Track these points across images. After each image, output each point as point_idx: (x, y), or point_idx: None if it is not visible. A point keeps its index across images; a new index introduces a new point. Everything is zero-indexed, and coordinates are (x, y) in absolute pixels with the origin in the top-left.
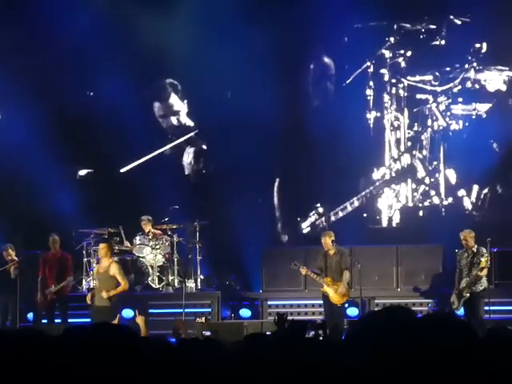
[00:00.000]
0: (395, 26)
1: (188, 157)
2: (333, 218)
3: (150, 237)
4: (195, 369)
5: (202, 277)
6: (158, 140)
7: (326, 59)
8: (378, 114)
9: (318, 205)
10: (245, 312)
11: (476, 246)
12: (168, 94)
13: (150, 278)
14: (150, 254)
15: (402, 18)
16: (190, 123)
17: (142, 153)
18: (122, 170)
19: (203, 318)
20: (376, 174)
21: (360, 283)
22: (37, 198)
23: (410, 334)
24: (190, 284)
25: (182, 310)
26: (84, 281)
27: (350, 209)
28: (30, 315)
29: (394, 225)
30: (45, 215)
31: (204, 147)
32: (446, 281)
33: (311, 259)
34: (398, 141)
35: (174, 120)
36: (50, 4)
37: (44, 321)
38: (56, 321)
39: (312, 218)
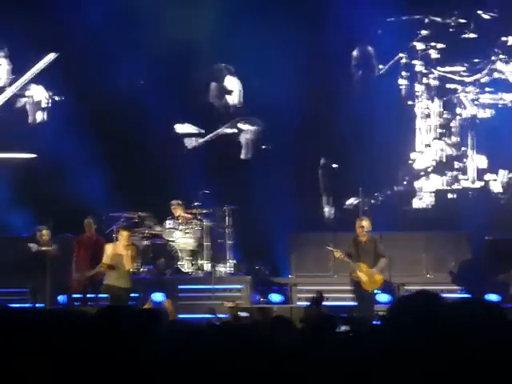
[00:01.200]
0: (427, 20)
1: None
2: (372, 201)
3: (181, 221)
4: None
5: (232, 261)
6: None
7: (368, 48)
8: (410, 103)
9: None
10: (275, 297)
11: None
12: (224, 75)
13: (180, 262)
14: (180, 238)
15: (433, 13)
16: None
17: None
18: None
19: (231, 303)
20: (416, 163)
21: (390, 270)
22: (68, 182)
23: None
24: (221, 268)
25: (211, 294)
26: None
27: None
28: (61, 298)
29: (425, 207)
30: (76, 199)
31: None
32: (474, 267)
33: (340, 244)
34: (428, 128)
35: (229, 99)
36: None
37: (77, 303)
38: (89, 303)
39: (352, 200)
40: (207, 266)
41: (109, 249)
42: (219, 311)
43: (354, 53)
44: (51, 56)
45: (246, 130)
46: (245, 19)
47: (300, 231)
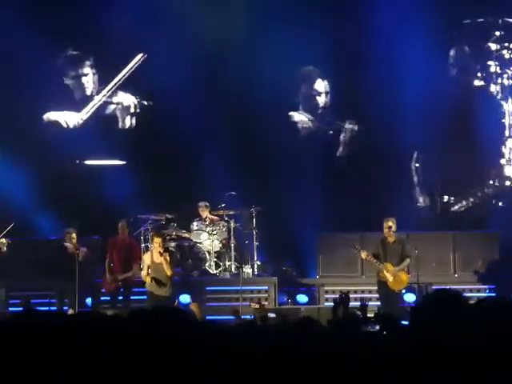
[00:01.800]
0: (500, 21)
1: None
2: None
3: (207, 222)
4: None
5: (258, 262)
6: None
7: (464, 48)
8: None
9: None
10: (301, 298)
11: None
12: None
13: (207, 264)
14: (207, 240)
15: (506, 14)
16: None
17: None
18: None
19: (258, 304)
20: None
21: (417, 269)
22: (95, 184)
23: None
24: (247, 269)
25: (238, 296)
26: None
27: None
28: (89, 300)
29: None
30: (103, 201)
31: None
32: (502, 267)
33: (367, 245)
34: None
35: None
36: None
37: (106, 305)
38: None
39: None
40: (234, 268)
41: (146, 259)
42: (245, 312)
43: (451, 52)
44: (139, 57)
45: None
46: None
47: (328, 231)
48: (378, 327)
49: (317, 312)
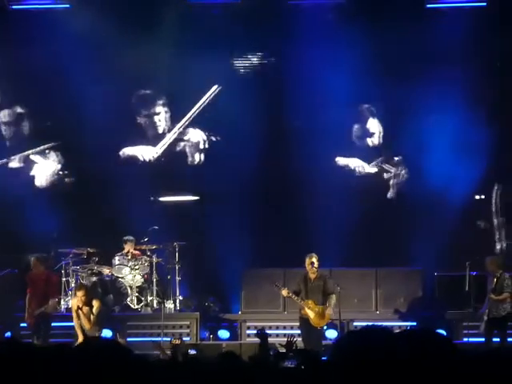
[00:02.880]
0: None
1: None
2: None
3: (129, 257)
4: None
5: (180, 298)
6: None
7: None
8: None
9: None
10: (223, 333)
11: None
12: (366, 117)
13: (128, 299)
14: (129, 275)
15: None
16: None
17: None
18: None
19: (178, 340)
20: None
21: (339, 306)
22: (14, 218)
23: (390, 352)
24: (169, 305)
25: (160, 331)
26: (63, 300)
27: None
28: (8, 334)
29: None
30: (23, 235)
31: None
32: (425, 304)
33: (290, 281)
34: None
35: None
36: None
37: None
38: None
39: None
40: (156, 303)
41: (73, 306)
42: (166, 347)
43: None
44: (214, 88)
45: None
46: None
47: (251, 267)
48: (296, 362)
49: (239, 348)
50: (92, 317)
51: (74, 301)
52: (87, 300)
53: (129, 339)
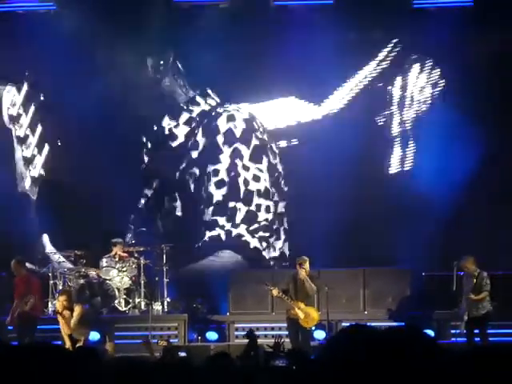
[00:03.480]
0: None
1: None
2: None
3: (117, 259)
4: None
5: (168, 299)
6: None
7: None
8: None
9: None
10: (211, 335)
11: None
12: None
13: (116, 301)
14: (117, 277)
15: None
16: None
17: None
18: None
19: (165, 342)
20: None
21: (327, 306)
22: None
23: (375, 349)
24: (157, 307)
25: (148, 333)
26: (50, 303)
27: None
28: None
29: None
30: (10, 237)
31: None
32: (413, 304)
33: (278, 282)
34: None
35: None
36: None
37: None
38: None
39: None
40: (144, 305)
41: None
42: (156, 350)
43: None
44: None
45: None
46: None
47: (239, 268)
48: (287, 362)
49: (227, 349)
50: (72, 322)
51: (56, 304)
52: (69, 305)
53: (117, 341)
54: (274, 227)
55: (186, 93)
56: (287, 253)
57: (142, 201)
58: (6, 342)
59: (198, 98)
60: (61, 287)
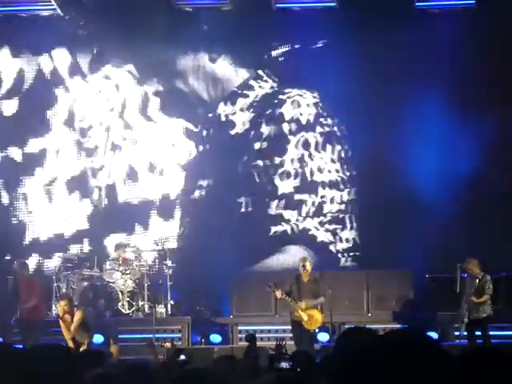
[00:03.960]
0: None
1: None
2: None
3: (120, 262)
4: None
5: (172, 302)
6: None
7: None
8: None
9: None
10: (215, 337)
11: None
12: None
13: (120, 304)
14: (120, 279)
15: None
16: None
17: None
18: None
19: (169, 343)
20: None
21: (330, 308)
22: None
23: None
24: (161, 309)
25: (152, 336)
26: (54, 306)
27: None
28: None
29: None
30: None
31: None
32: (416, 306)
33: (281, 283)
34: None
35: None
36: None
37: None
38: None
39: None
40: (147, 308)
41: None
42: (160, 352)
43: None
44: None
45: None
46: None
47: (242, 270)
48: (291, 364)
49: (230, 352)
50: (72, 327)
51: (58, 308)
52: (70, 310)
53: (120, 344)
54: (341, 217)
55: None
56: (358, 241)
57: (197, 193)
58: (10, 344)
59: (252, 81)
60: (64, 290)
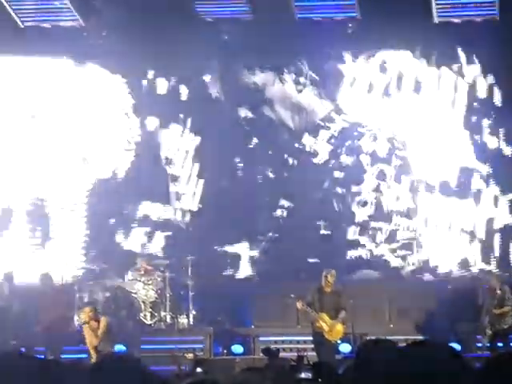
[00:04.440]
0: None
1: None
2: None
3: (142, 272)
4: None
5: (194, 312)
6: None
7: None
8: None
9: None
10: (237, 348)
11: None
12: None
13: (142, 314)
14: (142, 290)
15: None
16: None
17: None
18: None
19: (191, 354)
20: None
21: (352, 319)
22: None
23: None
24: (182, 320)
25: (174, 346)
26: (76, 316)
27: None
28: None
29: None
30: None
31: None
32: (438, 317)
33: (303, 295)
34: None
35: None
36: None
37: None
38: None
39: None
40: (169, 318)
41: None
42: (181, 363)
43: None
44: None
45: None
46: None
47: (263, 280)
48: (312, 375)
49: (252, 362)
50: (99, 332)
51: (82, 315)
52: (95, 317)
53: (142, 355)
54: (411, 243)
55: (324, 105)
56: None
57: (279, 212)
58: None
59: (333, 114)
60: (86, 300)
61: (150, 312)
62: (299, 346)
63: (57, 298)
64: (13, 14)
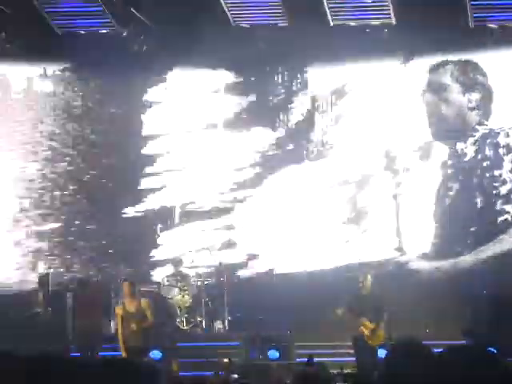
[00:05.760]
0: None
1: None
2: None
3: (179, 278)
4: None
5: (229, 318)
6: None
7: None
8: None
9: None
10: (273, 353)
11: None
12: None
13: (178, 320)
14: (178, 295)
15: None
16: None
17: None
18: None
19: (227, 359)
20: None
21: (389, 324)
22: None
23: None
24: (218, 325)
25: (210, 352)
26: (112, 322)
27: None
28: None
29: None
30: None
31: None
32: (475, 321)
33: (341, 298)
34: None
35: None
36: None
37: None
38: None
39: None
40: (205, 323)
41: (118, 312)
42: (218, 369)
43: None
44: None
45: None
46: None
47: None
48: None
49: (287, 368)
50: (147, 313)
51: (118, 308)
52: (133, 295)
53: (180, 360)
54: None
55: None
56: None
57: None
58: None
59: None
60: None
61: (186, 318)
62: (336, 350)
63: (93, 304)
64: None
